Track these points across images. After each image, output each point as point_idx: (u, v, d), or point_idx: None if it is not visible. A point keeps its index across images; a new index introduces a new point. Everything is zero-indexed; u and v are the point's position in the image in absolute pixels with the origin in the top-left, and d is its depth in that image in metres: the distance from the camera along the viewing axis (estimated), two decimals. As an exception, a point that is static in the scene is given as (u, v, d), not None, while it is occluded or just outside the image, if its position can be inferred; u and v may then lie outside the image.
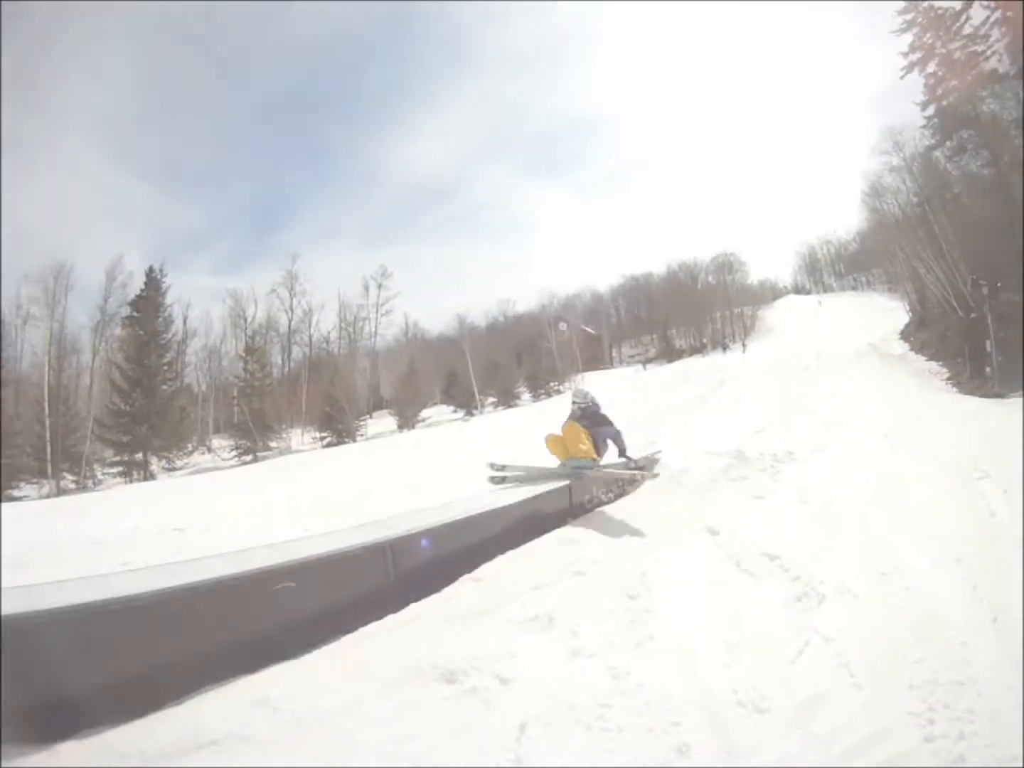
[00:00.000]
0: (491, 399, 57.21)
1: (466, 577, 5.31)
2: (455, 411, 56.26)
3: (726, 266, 75.25)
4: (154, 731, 3.43)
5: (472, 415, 52.26)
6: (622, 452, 9.19)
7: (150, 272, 55.40)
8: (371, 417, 53.62)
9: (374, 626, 4.65)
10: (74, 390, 47.46)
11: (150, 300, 52.54)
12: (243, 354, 54.38)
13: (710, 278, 76.07)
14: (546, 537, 6.42)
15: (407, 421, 51.50)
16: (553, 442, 8.59)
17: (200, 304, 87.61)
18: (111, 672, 3.64)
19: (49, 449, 41.84)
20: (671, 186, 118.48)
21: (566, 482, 7.77)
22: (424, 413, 54.19)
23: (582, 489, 7.82)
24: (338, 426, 49.01)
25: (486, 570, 5.58)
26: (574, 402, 9.46)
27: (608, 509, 7.65)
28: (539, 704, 3.83)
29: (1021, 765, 2.90)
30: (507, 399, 55.15)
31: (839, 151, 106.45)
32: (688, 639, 4.59)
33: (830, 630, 4.62)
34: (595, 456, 8.49)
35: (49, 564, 10.27)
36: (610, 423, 9.15)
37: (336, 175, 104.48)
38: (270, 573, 4.30)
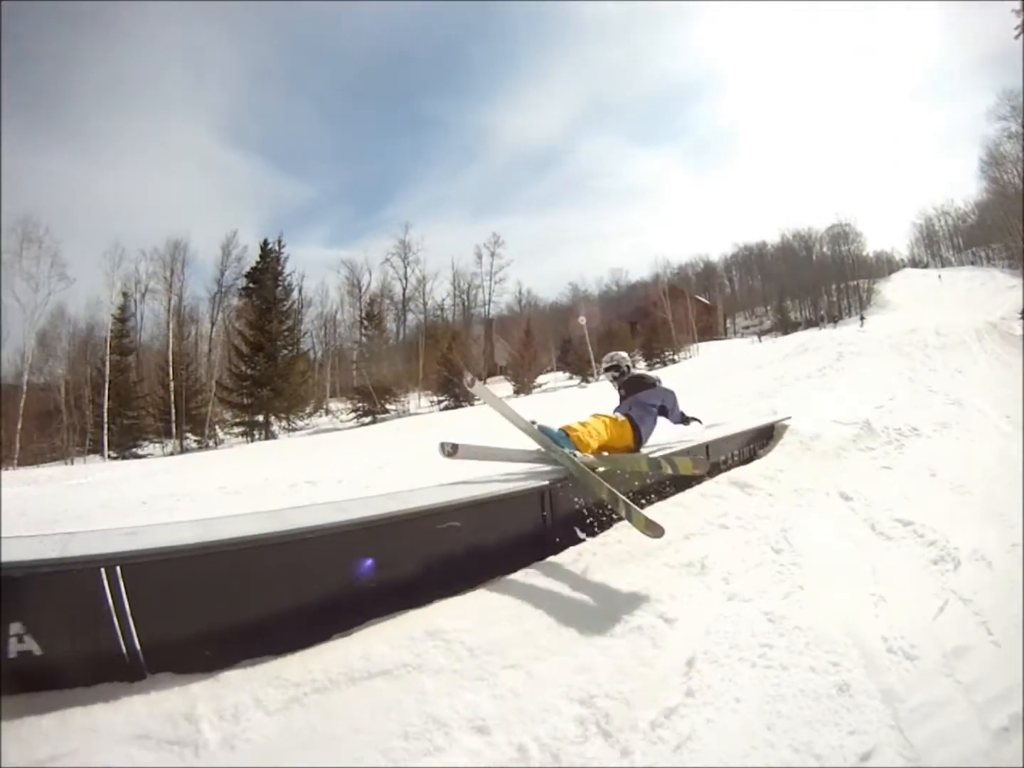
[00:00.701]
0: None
1: (621, 523, 5.40)
2: (571, 378, 56.58)
3: (841, 237, 73.28)
4: (324, 660, 3.57)
5: (588, 382, 51.95)
6: (683, 419, 7.71)
7: (264, 245, 56.71)
8: (486, 383, 53.52)
9: (537, 565, 4.81)
10: (194, 357, 49.10)
11: (269, 270, 53.72)
12: (363, 320, 55.35)
13: (824, 249, 74.24)
14: (689, 491, 6.56)
15: (524, 386, 52.24)
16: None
17: (314, 275, 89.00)
18: (277, 604, 3.80)
19: (173, 411, 43.20)
20: (783, 152, 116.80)
21: (702, 441, 7.73)
22: (540, 379, 54.77)
23: (718, 448, 7.81)
24: (455, 390, 49.51)
25: (640, 517, 5.68)
26: (606, 370, 7.84)
27: (744, 469, 7.62)
28: (703, 642, 3.98)
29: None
30: None
31: (955, 116, 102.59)
32: (835, 591, 4.72)
33: (967, 592, 4.68)
34: (629, 445, 6.64)
35: (193, 509, 11.02)
36: (652, 384, 7.43)
37: (443, 146, 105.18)
38: (435, 513, 4.44)
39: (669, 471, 5.58)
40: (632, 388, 7.43)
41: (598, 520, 5.50)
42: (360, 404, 50.20)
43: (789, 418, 9.99)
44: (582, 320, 52.97)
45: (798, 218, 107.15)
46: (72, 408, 44.16)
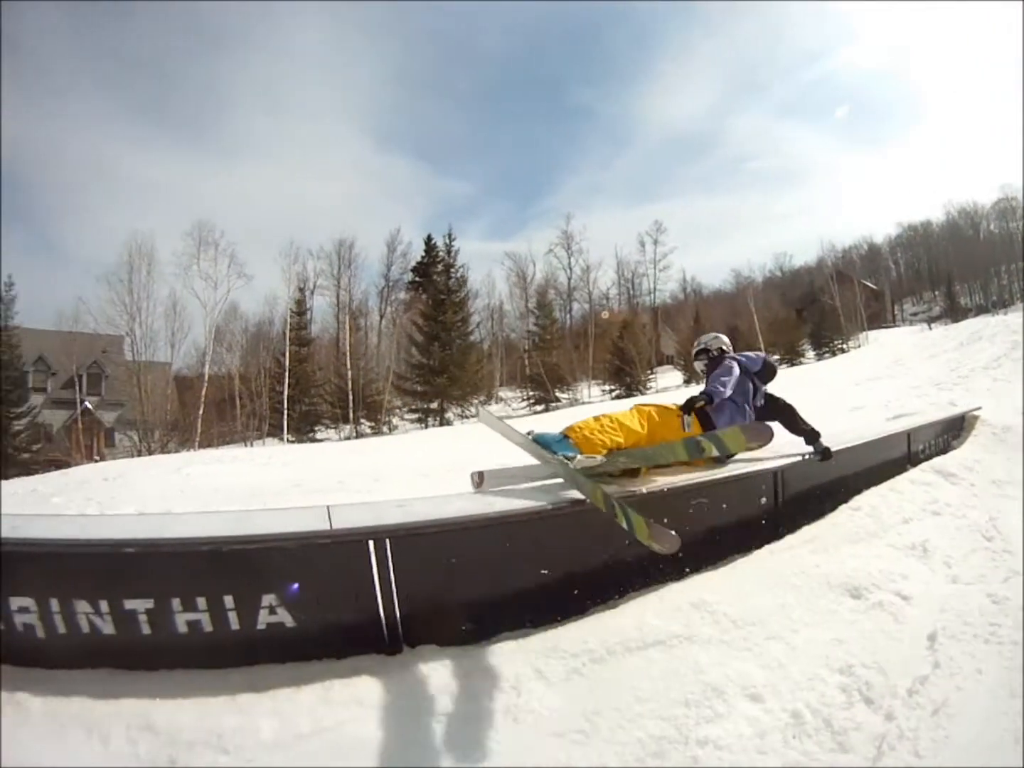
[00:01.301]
0: (774, 356, 53.94)
1: (844, 506, 5.65)
2: None
3: (1009, 212, 66.71)
4: (598, 631, 3.75)
5: None
6: (796, 429, 5.98)
7: (428, 240, 57.73)
8: (655, 372, 53.22)
9: (776, 543, 4.99)
10: (364, 348, 50.56)
11: (441, 262, 54.59)
12: (534, 310, 55.64)
13: (992, 226, 69.01)
14: (899, 478, 6.55)
15: (694, 375, 50.40)
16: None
17: (476, 267, 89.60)
18: (536, 577, 4.01)
19: (351, 398, 44.65)
20: (943, 120, 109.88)
21: (903, 428, 7.61)
22: None
23: (919, 436, 7.67)
24: (626, 379, 49.33)
25: (861, 501, 5.88)
26: (695, 357, 6.66)
27: (944, 459, 7.45)
28: (939, 619, 4.09)
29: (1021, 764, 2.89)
30: (791, 356, 52.93)
31: None
32: (1050, 579, 4.55)
33: None
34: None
35: (390, 488, 11.21)
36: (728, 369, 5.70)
37: (594, 135, 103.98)
38: (690, 489, 4.68)
39: (715, 452, 4.61)
40: (711, 371, 5.92)
41: (828, 501, 5.78)
42: (533, 392, 50.39)
43: (980, 408, 9.75)
44: (605, 315, 52.34)
45: (962, 192, 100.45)
46: (253, 395, 46.54)
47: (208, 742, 2.92)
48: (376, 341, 54.65)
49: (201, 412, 42.92)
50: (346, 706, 3.18)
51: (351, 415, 46.73)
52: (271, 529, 3.56)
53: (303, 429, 46.75)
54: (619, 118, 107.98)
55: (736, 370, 5.72)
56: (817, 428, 5.95)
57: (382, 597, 3.64)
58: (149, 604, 3.37)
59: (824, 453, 5.83)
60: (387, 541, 3.62)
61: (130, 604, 3.37)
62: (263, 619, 3.49)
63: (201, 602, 3.42)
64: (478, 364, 51.41)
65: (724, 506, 4.97)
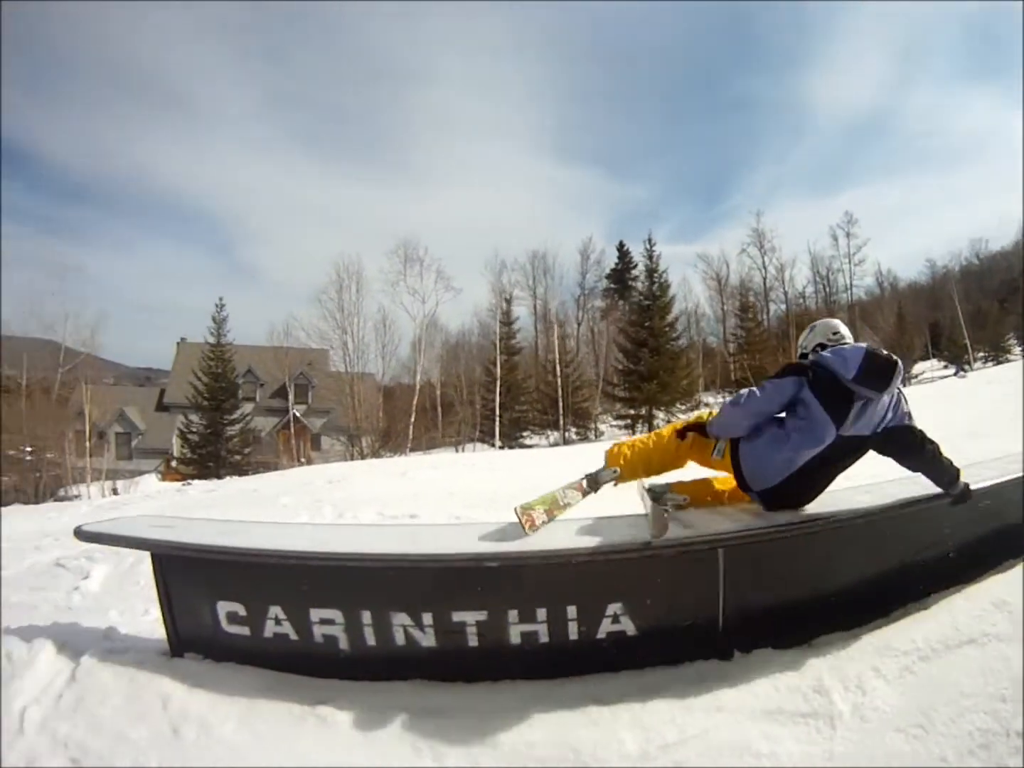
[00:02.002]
0: (978, 353, 51.93)
1: None
2: (945, 366, 51.35)
3: None
4: (917, 629, 3.64)
5: (964, 370, 46.11)
6: (930, 472, 3.85)
7: (621, 246, 58.01)
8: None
9: None
10: (573, 355, 51.45)
11: (635, 266, 54.89)
12: (737, 312, 54.93)
13: None
14: None
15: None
16: None
17: (667, 271, 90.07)
18: (853, 578, 3.85)
19: (560, 404, 45.38)
20: None
21: None
22: (914, 369, 49.98)
23: None
24: None
25: None
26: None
27: None
28: None
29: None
30: (996, 353, 49.98)
31: None
32: None
33: None
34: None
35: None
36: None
37: (766, 127, 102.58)
38: (983, 492, 4.15)
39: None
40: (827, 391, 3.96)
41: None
42: None
43: None
44: None
45: None
46: (465, 403, 48.56)
47: (564, 758, 2.82)
48: (575, 348, 54.87)
49: (413, 419, 44.85)
50: (707, 712, 3.07)
51: (560, 421, 47.58)
52: (615, 539, 3.42)
53: (512, 435, 48.01)
54: (788, 106, 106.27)
55: (783, 389, 3.86)
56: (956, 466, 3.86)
57: (722, 604, 3.55)
58: (481, 616, 3.38)
59: (961, 496, 3.88)
60: (719, 550, 3.52)
61: (459, 616, 3.39)
62: (605, 628, 3.42)
63: (541, 613, 3.39)
64: (686, 369, 50.82)
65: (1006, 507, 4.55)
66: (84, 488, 39.45)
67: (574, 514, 3.80)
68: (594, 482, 4.04)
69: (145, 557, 7.68)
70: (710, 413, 4.14)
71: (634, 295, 54.27)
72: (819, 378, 3.74)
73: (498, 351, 49.33)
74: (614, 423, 48.64)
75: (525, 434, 49.13)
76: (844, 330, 4.18)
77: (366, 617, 3.42)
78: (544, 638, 3.37)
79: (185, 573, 3.74)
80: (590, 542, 3.37)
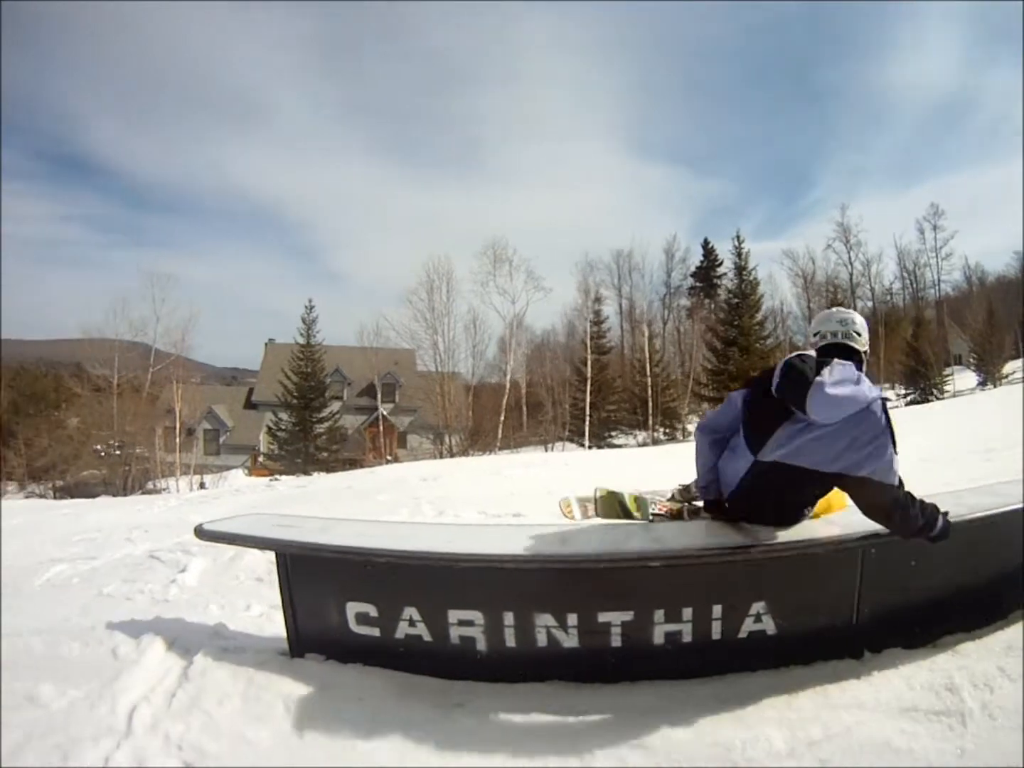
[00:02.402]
0: None
1: None
2: None
3: None
4: None
5: None
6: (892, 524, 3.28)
7: (705, 244, 57.54)
8: (949, 373, 49.60)
9: None
10: (661, 355, 51.42)
11: (720, 263, 54.44)
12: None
13: None
14: None
15: (991, 377, 46.87)
16: None
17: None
18: (979, 577, 3.79)
19: (650, 404, 45.30)
20: None
21: None
22: (1005, 368, 48.04)
23: None
24: (920, 383, 46.42)
25: None
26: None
27: None
28: None
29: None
30: None
31: None
32: None
33: None
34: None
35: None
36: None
37: (844, 118, 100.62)
38: None
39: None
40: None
41: None
42: None
43: None
44: None
45: None
46: (556, 402, 49.30)
47: (714, 757, 2.80)
48: (661, 347, 54.60)
49: (503, 418, 45.77)
50: (848, 710, 3.07)
51: (649, 421, 47.35)
52: (760, 537, 3.39)
53: (600, 435, 48.00)
54: (866, 94, 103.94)
55: (732, 402, 3.62)
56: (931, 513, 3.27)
57: (857, 604, 3.56)
58: (627, 616, 3.36)
59: (940, 536, 3.29)
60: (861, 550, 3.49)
61: (605, 617, 3.37)
62: (747, 627, 3.41)
63: (687, 612, 3.37)
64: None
65: None
66: (171, 482, 41.12)
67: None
68: (686, 493, 4.03)
69: (245, 553, 7.86)
70: None
71: (721, 293, 53.79)
72: (753, 391, 3.50)
73: (588, 351, 49.25)
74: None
75: (614, 433, 49.01)
76: (832, 326, 3.51)
77: (508, 618, 3.42)
78: (687, 638, 3.35)
79: (313, 574, 3.76)
80: (736, 540, 3.36)
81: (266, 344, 55.00)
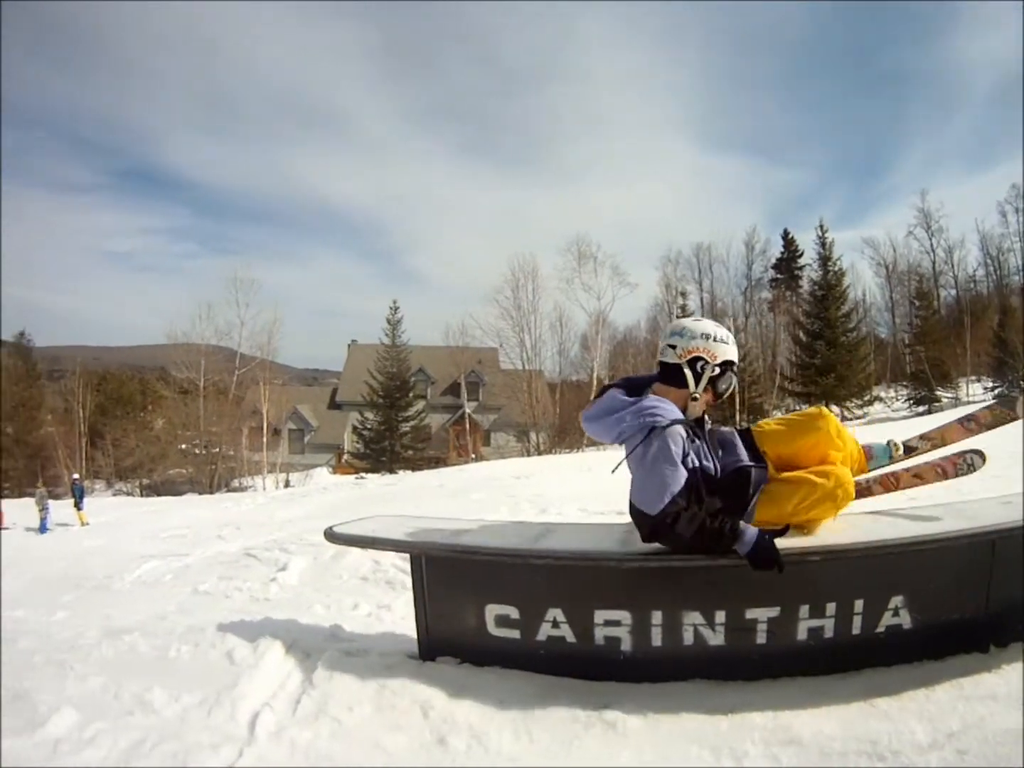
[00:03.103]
0: None
1: None
2: None
3: None
4: None
5: None
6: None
7: (785, 235, 56.77)
8: None
9: None
10: (744, 349, 51.21)
11: (801, 255, 53.85)
12: (913, 300, 52.68)
13: None
14: None
15: None
16: None
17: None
18: None
19: (737, 400, 45.11)
20: None
21: None
22: None
23: None
24: (1010, 376, 44.00)
25: None
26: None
27: None
28: None
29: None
30: None
31: None
32: None
33: None
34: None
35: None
36: None
37: (917, 100, 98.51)
38: None
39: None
40: None
41: None
42: (916, 391, 46.47)
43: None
44: None
45: None
46: None
47: (861, 750, 2.77)
48: (744, 341, 54.09)
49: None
50: (982, 701, 3.02)
51: (736, 417, 46.55)
52: (904, 531, 3.39)
53: None
54: (937, 73, 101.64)
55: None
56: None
57: (987, 596, 3.48)
58: (774, 613, 3.33)
59: (753, 555, 3.09)
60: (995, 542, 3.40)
61: (752, 614, 3.34)
62: (885, 622, 3.37)
63: (830, 608, 3.33)
64: (863, 362, 48.97)
65: None
66: (257, 480, 42.37)
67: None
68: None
69: (347, 552, 7.90)
70: None
71: (803, 285, 53.10)
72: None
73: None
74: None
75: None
76: (672, 340, 3.47)
77: (656, 617, 3.38)
78: (829, 633, 3.32)
79: (451, 577, 3.74)
80: (876, 532, 3.36)
81: (349, 345, 56.50)
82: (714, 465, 3.36)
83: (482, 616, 3.64)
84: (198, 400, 47.16)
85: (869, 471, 3.81)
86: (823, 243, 51.01)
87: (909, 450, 3.88)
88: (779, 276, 59.02)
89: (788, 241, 59.01)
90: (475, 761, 2.96)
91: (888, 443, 3.75)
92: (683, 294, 53.78)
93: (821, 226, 51.28)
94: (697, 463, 3.27)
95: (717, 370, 3.41)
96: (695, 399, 3.41)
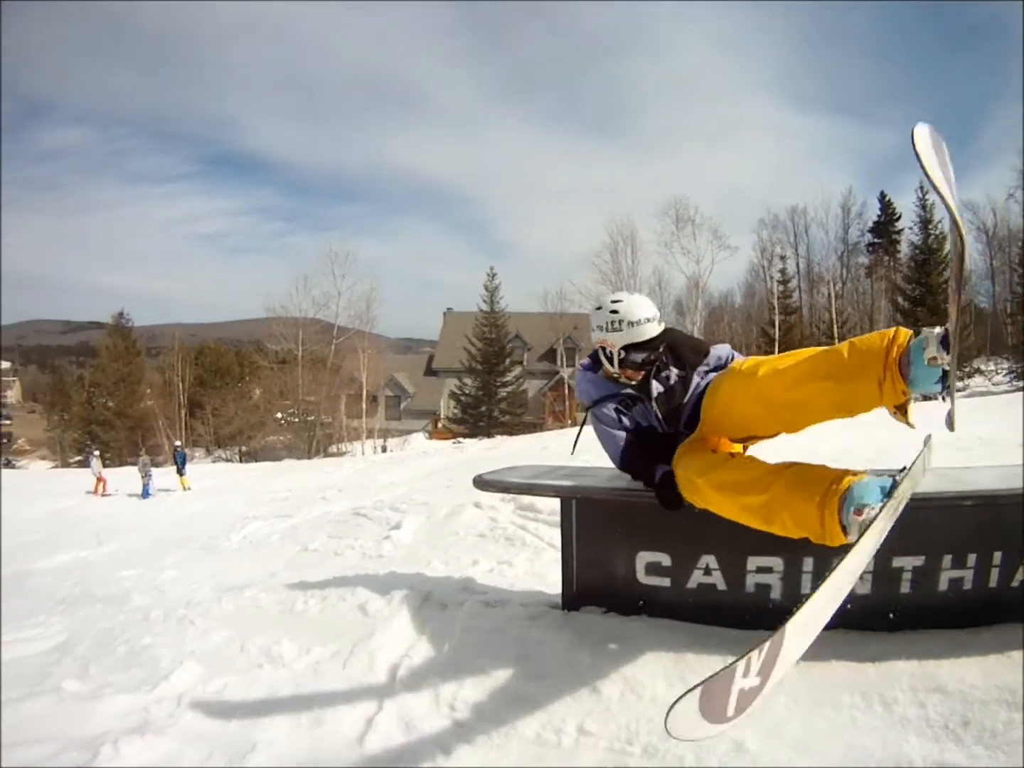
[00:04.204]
0: None
1: None
2: None
3: None
4: None
5: None
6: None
7: (883, 197, 55.21)
8: None
9: None
10: (844, 316, 50.10)
11: (899, 218, 52.58)
12: (1016, 267, 50.53)
13: None
14: None
15: None
16: None
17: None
18: None
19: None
20: None
21: None
22: None
23: None
24: None
25: None
26: None
27: None
28: None
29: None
30: None
31: None
32: None
33: None
34: None
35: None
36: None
37: (1010, 51, 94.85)
38: None
39: None
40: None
41: None
42: (1018, 364, 42.94)
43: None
44: None
45: None
46: None
47: (1002, 699, 2.81)
48: (843, 308, 53.03)
49: None
50: None
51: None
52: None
53: None
54: None
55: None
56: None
57: None
58: (919, 562, 3.29)
59: (658, 488, 3.37)
60: None
61: (899, 562, 3.29)
62: (1019, 576, 3.29)
63: (971, 559, 3.28)
64: (965, 331, 45.96)
65: None
66: (354, 445, 43.34)
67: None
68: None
69: (463, 510, 8.02)
70: None
71: (902, 249, 51.81)
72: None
73: (776, 312, 48.64)
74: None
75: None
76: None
77: (808, 564, 3.36)
78: (967, 585, 3.28)
79: (603, 522, 3.74)
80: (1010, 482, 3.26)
81: (444, 313, 57.51)
82: (660, 424, 3.50)
83: (632, 563, 3.66)
84: (296, 370, 48.95)
85: None
86: (923, 205, 49.12)
87: None
88: (877, 240, 57.49)
89: (885, 204, 57.45)
90: (629, 708, 3.01)
91: None
92: (783, 257, 52.72)
93: (921, 187, 48.72)
94: (644, 423, 3.54)
95: (623, 353, 3.48)
96: (616, 377, 3.57)
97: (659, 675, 3.19)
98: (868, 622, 3.29)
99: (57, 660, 4.39)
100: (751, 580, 3.46)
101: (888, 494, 2.62)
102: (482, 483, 4.01)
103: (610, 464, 3.66)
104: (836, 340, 44.17)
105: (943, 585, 3.29)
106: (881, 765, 2.59)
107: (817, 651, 3.03)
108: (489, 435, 41.35)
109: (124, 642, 4.47)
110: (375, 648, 3.75)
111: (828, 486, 2.67)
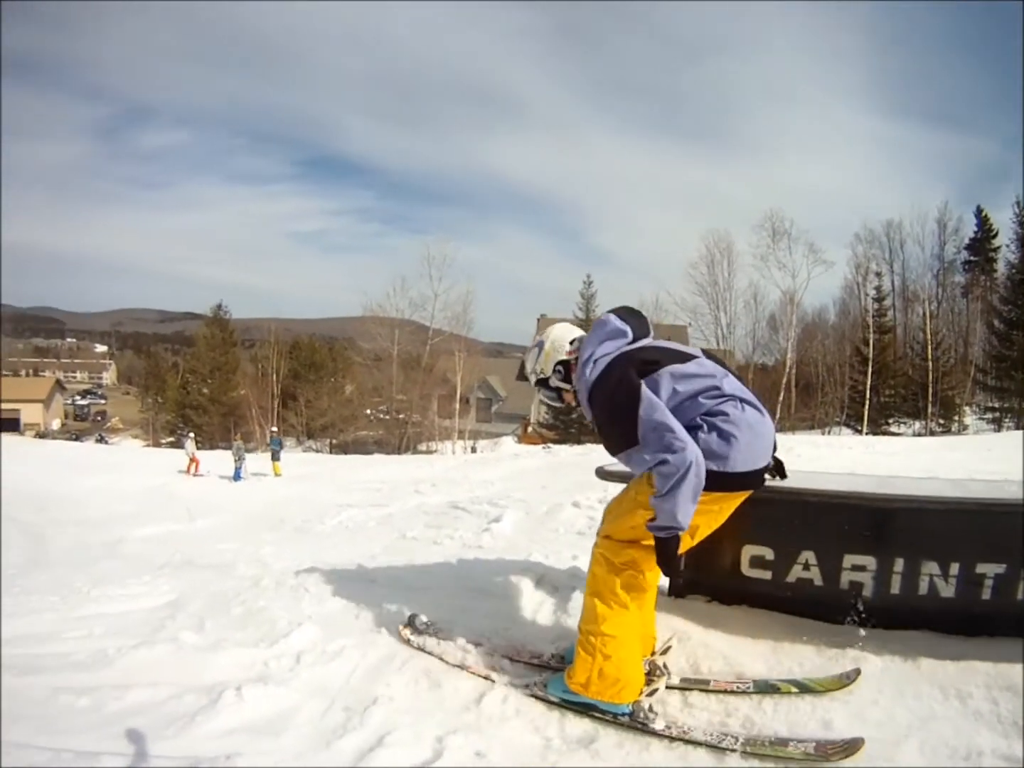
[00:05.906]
0: None
1: None
2: None
3: None
4: None
5: None
6: None
7: (979, 212, 53.81)
8: None
9: None
10: (939, 337, 48.97)
11: (996, 235, 51.65)
12: None
13: None
14: None
15: None
16: None
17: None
18: None
19: (929, 392, 43.58)
20: None
21: None
22: None
23: None
24: None
25: None
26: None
27: None
28: None
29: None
30: None
31: None
32: None
33: None
34: None
35: None
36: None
37: None
38: None
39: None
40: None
41: None
42: None
43: None
44: None
45: None
46: (836, 384, 48.72)
47: None
48: (937, 329, 51.91)
49: (781, 398, 45.95)
50: None
51: (928, 410, 45.12)
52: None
53: (876, 421, 46.22)
54: None
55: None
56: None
57: None
58: (1000, 569, 3.34)
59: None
60: None
61: (983, 568, 3.36)
62: None
63: None
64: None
65: None
66: (444, 444, 44.96)
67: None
68: None
69: (563, 508, 8.26)
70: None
71: (999, 268, 50.60)
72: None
73: (871, 330, 47.44)
74: (982, 416, 45.12)
75: (890, 421, 46.97)
76: None
77: (899, 565, 3.46)
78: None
79: None
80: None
81: (538, 319, 56.87)
82: None
83: (738, 556, 3.83)
84: (390, 368, 49.61)
85: None
86: (1020, 221, 47.68)
87: None
88: (973, 258, 56.19)
89: (983, 219, 56.10)
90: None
91: None
92: (878, 274, 51.69)
93: (1018, 203, 48.11)
94: None
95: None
96: None
97: (758, 657, 3.47)
98: (949, 625, 3.44)
99: (171, 615, 4.69)
100: (846, 577, 3.59)
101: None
102: (604, 474, 4.08)
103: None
104: (930, 363, 43.44)
105: (1021, 593, 3.32)
106: (954, 753, 2.78)
107: (901, 648, 3.37)
108: (579, 441, 41.30)
109: (239, 604, 4.78)
110: (487, 618, 4.10)
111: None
